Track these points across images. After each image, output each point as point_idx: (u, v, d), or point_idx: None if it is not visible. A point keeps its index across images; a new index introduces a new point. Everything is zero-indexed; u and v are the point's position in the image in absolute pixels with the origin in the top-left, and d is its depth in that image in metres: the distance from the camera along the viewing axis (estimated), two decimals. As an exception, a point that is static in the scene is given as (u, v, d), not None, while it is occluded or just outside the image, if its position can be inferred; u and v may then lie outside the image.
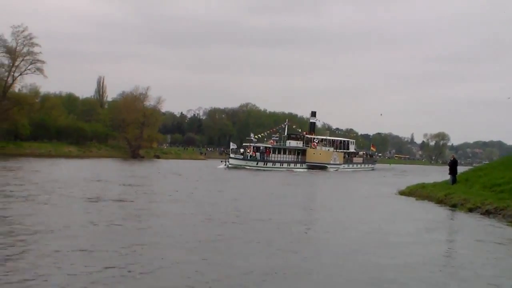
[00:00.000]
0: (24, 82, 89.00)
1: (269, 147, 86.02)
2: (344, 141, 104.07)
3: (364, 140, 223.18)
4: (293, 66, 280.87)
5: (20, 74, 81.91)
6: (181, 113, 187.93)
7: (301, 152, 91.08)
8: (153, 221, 20.24)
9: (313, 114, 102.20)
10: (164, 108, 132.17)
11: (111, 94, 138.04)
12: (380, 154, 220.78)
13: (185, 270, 12.66)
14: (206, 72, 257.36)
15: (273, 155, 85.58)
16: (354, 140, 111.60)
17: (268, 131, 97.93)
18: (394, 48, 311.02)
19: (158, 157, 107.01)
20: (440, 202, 30.24)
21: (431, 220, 23.96)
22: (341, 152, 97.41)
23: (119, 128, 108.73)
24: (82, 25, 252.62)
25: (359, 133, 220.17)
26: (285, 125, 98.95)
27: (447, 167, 38.29)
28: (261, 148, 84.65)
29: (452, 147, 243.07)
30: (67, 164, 63.31)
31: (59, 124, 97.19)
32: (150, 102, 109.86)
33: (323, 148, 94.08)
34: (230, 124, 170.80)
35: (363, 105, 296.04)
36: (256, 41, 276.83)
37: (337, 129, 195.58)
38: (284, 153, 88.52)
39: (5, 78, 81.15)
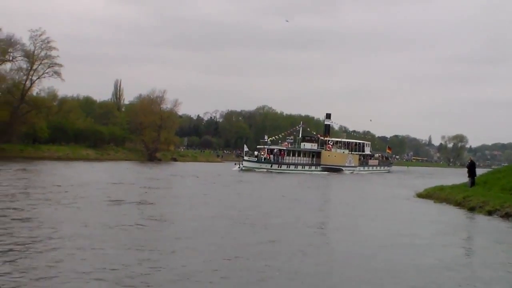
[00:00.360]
0: (42, 86, 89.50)
1: (284, 150, 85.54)
2: (359, 143, 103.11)
3: (381, 143, 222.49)
4: (310, 68, 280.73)
5: (38, 78, 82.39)
6: (198, 115, 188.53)
7: (316, 155, 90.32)
8: (178, 226, 20.28)
9: (328, 116, 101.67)
10: (181, 111, 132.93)
11: (128, 97, 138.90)
12: (397, 157, 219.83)
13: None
14: (223, 75, 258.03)
15: (287, 157, 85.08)
16: (370, 143, 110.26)
17: (282, 134, 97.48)
18: (411, 49, 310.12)
19: (175, 159, 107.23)
20: (458, 204, 30.01)
21: (449, 223, 23.81)
22: (356, 154, 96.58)
23: (136, 131, 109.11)
24: (99, 29, 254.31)
25: (376, 136, 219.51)
26: (299, 128, 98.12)
27: (465, 170, 38.04)
28: (275, 150, 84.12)
29: (471, 149, 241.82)
30: (86, 167, 63.62)
31: (77, 127, 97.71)
32: (167, 105, 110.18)
33: (338, 150, 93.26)
34: (247, 127, 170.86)
35: (380, 107, 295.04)
36: (273, 43, 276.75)
37: (354, 131, 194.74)
38: (299, 155, 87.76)
39: (24, 82, 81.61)
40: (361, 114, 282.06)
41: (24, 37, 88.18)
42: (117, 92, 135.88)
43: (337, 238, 19.38)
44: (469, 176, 35.63)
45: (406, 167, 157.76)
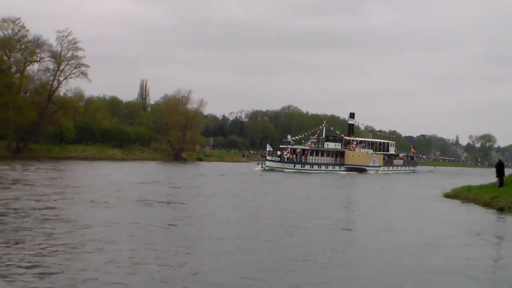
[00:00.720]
0: (68, 86, 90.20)
1: (307, 149, 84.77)
2: (383, 143, 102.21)
3: (408, 142, 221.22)
4: (336, 68, 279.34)
5: (65, 78, 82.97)
6: (223, 115, 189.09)
7: (340, 154, 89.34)
8: (212, 227, 20.20)
9: (352, 115, 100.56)
10: (207, 111, 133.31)
11: (154, 97, 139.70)
12: (424, 157, 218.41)
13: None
14: (248, 75, 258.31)
15: (310, 157, 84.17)
16: (394, 142, 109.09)
17: (306, 133, 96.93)
18: (437, 48, 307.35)
19: (200, 159, 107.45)
20: (486, 205, 29.62)
21: (478, 223, 23.50)
22: (380, 154, 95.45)
23: (161, 131, 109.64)
24: (125, 30, 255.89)
25: (402, 135, 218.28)
26: (323, 127, 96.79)
27: (493, 170, 37.57)
28: (298, 150, 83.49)
29: (499, 149, 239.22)
30: (114, 167, 64.19)
31: (103, 127, 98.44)
32: (192, 105, 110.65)
33: (362, 150, 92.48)
34: (272, 127, 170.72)
35: (407, 107, 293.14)
36: (298, 43, 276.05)
37: (380, 131, 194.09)
38: (322, 155, 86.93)
39: (51, 82, 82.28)
40: (387, 114, 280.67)
41: (51, 38, 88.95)
42: (143, 92, 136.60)
43: (369, 237, 19.27)
44: (497, 176, 35.09)
45: (434, 167, 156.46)
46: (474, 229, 21.39)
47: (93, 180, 39.78)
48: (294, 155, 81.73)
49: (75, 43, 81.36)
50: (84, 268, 12.44)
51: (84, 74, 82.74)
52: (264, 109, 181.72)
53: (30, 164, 54.94)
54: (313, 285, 11.97)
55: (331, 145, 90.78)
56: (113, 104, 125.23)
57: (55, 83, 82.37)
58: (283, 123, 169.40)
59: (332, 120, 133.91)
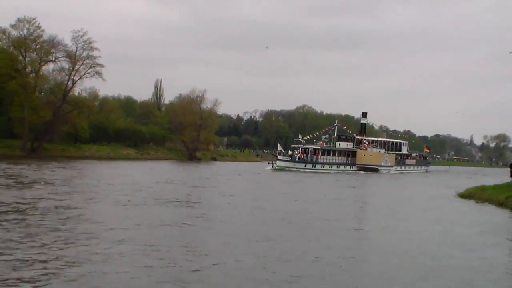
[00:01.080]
0: (83, 86, 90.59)
1: (318, 149, 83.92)
2: (396, 142, 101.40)
3: (422, 142, 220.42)
4: (350, 68, 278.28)
5: (80, 78, 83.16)
6: (238, 115, 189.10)
7: (351, 154, 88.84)
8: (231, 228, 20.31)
9: (364, 115, 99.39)
10: (221, 110, 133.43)
11: (168, 97, 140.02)
12: (438, 156, 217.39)
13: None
14: (263, 75, 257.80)
15: (322, 157, 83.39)
16: (407, 142, 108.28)
17: (317, 133, 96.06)
18: (452, 48, 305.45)
19: (214, 159, 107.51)
20: (501, 205, 29.51)
21: (492, 223, 23.46)
22: (392, 153, 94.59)
23: (176, 131, 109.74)
24: (140, 30, 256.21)
25: (417, 135, 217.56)
26: (334, 126, 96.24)
27: (508, 169, 37.37)
28: (309, 149, 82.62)
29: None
30: (129, 166, 64.48)
31: (118, 127, 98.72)
32: (206, 105, 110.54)
33: (374, 149, 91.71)
34: (286, 126, 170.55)
35: (421, 107, 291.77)
36: (314, 43, 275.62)
37: (395, 131, 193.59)
38: (334, 154, 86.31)
39: (66, 82, 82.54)
40: (402, 114, 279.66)
41: (66, 38, 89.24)
42: (158, 92, 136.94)
43: (385, 237, 19.39)
44: (511, 176, 34.97)
45: (448, 166, 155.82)
46: (490, 229, 21.41)
47: (111, 179, 40.34)
48: (305, 155, 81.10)
49: (90, 43, 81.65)
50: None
51: (99, 74, 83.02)
52: (278, 109, 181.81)
53: (46, 164, 55.22)
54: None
55: (343, 145, 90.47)
56: (127, 104, 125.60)
57: (70, 83, 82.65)
58: (297, 123, 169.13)
59: (347, 120, 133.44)
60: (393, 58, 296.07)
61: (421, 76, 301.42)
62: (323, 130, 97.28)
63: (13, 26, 78.40)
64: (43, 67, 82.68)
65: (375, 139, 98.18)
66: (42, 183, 33.23)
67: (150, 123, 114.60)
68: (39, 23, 79.28)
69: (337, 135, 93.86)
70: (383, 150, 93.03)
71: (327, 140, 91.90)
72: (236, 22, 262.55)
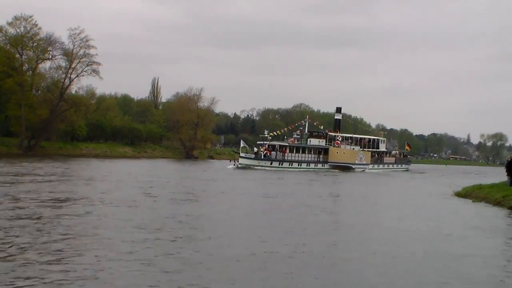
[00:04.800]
0: (80, 84, 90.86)
1: (285, 146, 78.89)
2: (373, 139, 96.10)
3: (419, 141, 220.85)
4: (348, 66, 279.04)
5: (77, 76, 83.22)
6: (235, 114, 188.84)
7: (323, 151, 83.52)
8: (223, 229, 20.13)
9: (338, 110, 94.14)
10: (218, 109, 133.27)
11: (165, 95, 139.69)
12: (435, 155, 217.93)
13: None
14: (260, 73, 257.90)
15: (291, 154, 78.27)
16: (385, 139, 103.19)
17: (286, 128, 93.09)
18: (450, 47, 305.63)
19: (211, 157, 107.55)
20: (497, 204, 29.49)
21: (490, 222, 23.42)
22: (368, 151, 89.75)
23: (173, 129, 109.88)
24: (136, 28, 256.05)
25: (414, 134, 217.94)
26: (305, 122, 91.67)
27: (504, 168, 37.35)
28: (276, 146, 77.84)
29: (510, 148, 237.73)
30: (128, 165, 64.52)
31: (114, 125, 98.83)
32: (204, 103, 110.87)
33: (347, 146, 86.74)
34: (283, 125, 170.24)
35: (419, 105, 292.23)
36: (310, 41, 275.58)
37: (392, 129, 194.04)
38: (304, 152, 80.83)
39: (62, 80, 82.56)
40: (399, 113, 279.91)
41: (63, 36, 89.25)
42: (155, 90, 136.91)
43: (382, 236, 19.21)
44: (508, 175, 34.90)
45: (445, 165, 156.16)
46: (488, 228, 21.39)
47: (126, 179, 40.42)
48: (272, 152, 76.27)
49: (87, 41, 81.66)
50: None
51: (95, 72, 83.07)
52: (275, 107, 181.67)
53: (45, 161, 55.18)
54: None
55: (314, 141, 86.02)
56: (124, 102, 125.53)
57: (67, 81, 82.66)
58: (294, 121, 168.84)
59: (344, 119, 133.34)
60: (390, 57, 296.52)
61: (419, 74, 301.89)
62: (293, 126, 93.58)
63: (9, 23, 78.51)
64: (40, 65, 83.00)
65: (350, 135, 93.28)
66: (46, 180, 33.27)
67: (147, 122, 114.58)
68: (36, 21, 79.38)
69: (308, 131, 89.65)
70: (357, 148, 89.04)
71: (298, 136, 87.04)
72: (232, 20, 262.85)
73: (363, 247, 16.77)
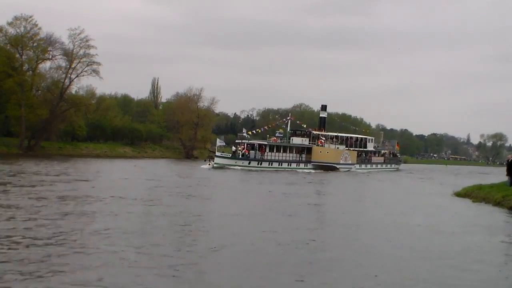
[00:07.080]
0: (80, 84, 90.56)
1: (265, 145, 75.56)
2: (360, 138, 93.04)
3: (419, 141, 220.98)
4: (347, 66, 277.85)
5: (77, 76, 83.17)
6: (235, 114, 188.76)
7: (306, 150, 79.69)
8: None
9: (323, 108, 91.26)
10: (218, 109, 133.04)
11: (165, 95, 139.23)
12: (435, 155, 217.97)
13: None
14: (260, 73, 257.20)
15: (271, 153, 74.93)
16: (373, 138, 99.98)
17: (266, 127, 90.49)
18: (450, 48, 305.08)
19: (211, 157, 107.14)
20: (497, 204, 29.49)
21: (490, 222, 23.46)
22: (354, 150, 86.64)
23: (173, 129, 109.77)
24: (137, 28, 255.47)
25: (414, 134, 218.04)
26: (287, 120, 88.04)
27: (505, 168, 37.36)
28: (255, 145, 74.29)
29: (510, 148, 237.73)
30: (129, 165, 64.62)
31: (115, 125, 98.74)
32: (203, 103, 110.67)
33: (332, 145, 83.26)
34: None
35: (419, 106, 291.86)
36: (310, 42, 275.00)
37: (392, 129, 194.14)
38: (285, 151, 77.02)
39: (62, 80, 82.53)
40: (399, 113, 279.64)
41: (63, 36, 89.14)
42: (155, 90, 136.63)
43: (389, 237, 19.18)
44: (508, 175, 34.88)
45: (445, 165, 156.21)
46: (487, 228, 21.45)
47: (130, 179, 40.77)
48: (251, 151, 72.67)
49: (87, 41, 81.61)
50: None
51: (96, 72, 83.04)
52: (275, 107, 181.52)
53: (45, 162, 55.19)
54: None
55: (297, 140, 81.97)
56: (124, 102, 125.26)
57: (67, 81, 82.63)
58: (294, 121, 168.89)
59: (344, 119, 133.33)
60: (390, 57, 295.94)
61: (419, 74, 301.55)
62: (274, 124, 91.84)
63: (10, 24, 78.21)
64: (40, 65, 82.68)
65: (335, 134, 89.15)
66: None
67: (147, 122, 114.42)
68: (36, 21, 79.12)
69: (291, 130, 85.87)
70: (342, 147, 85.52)
71: (281, 135, 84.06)
72: (232, 20, 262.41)
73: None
